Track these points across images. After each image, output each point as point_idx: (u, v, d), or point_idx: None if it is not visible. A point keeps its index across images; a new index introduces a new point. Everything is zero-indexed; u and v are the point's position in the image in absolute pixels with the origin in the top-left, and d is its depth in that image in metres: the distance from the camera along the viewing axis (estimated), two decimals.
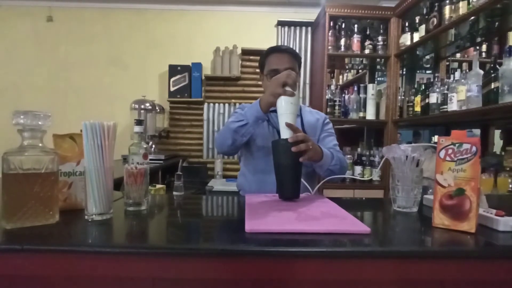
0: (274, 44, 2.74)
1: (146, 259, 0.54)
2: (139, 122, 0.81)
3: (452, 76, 1.76)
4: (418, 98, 2.02)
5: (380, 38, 2.39)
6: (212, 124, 2.94)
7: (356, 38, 2.40)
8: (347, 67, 2.90)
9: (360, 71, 2.86)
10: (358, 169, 2.37)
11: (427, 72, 2.60)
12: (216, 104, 2.94)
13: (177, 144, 2.97)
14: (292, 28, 2.94)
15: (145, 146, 0.79)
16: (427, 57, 2.38)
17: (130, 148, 0.78)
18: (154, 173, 2.20)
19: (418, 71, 2.64)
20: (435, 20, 1.86)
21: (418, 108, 2.02)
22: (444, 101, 1.75)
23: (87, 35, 2.93)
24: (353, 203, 1.05)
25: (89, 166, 0.66)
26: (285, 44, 2.91)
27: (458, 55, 2.34)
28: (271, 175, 0.93)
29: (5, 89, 2.90)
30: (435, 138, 2.66)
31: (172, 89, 2.83)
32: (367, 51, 2.40)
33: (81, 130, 0.67)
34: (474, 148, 0.62)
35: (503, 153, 1.78)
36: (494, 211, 0.66)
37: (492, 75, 1.39)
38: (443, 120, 2.08)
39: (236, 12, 2.95)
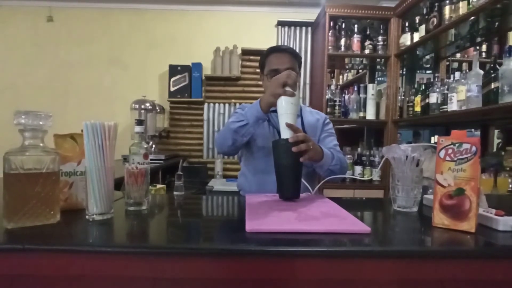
0: (274, 44, 2.73)
1: (146, 259, 0.54)
2: (139, 122, 0.81)
3: (452, 76, 1.76)
4: (418, 98, 2.02)
5: (380, 38, 2.39)
6: (212, 124, 2.94)
7: (356, 38, 2.40)
8: (347, 67, 2.90)
9: (360, 71, 2.86)
10: (358, 169, 2.37)
11: (427, 72, 2.60)
12: (216, 104, 2.94)
13: (177, 144, 2.97)
14: (292, 28, 2.94)
15: (145, 146, 0.79)
16: (427, 57, 2.38)
17: (130, 148, 0.78)
18: (155, 173, 2.20)
19: (418, 71, 2.64)
20: (435, 20, 1.86)
21: (418, 108, 2.02)
22: (444, 101, 1.75)
23: (87, 35, 2.93)
24: (353, 203, 1.05)
25: (90, 166, 0.66)
26: (285, 44, 2.91)
27: (458, 55, 2.34)
28: (272, 175, 0.93)
29: (5, 89, 2.90)
30: (435, 138, 2.67)
31: (172, 89, 2.84)
32: (367, 51, 2.40)
33: (81, 130, 0.67)
34: (474, 148, 0.62)
35: (502, 153, 1.78)
36: (494, 210, 0.66)
37: (492, 75, 1.39)
38: (443, 120, 2.08)
39: (236, 12, 2.95)
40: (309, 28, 2.93)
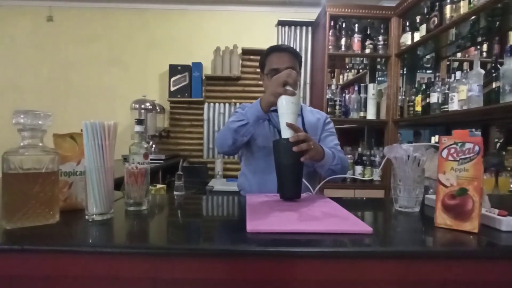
0: (274, 44, 2.73)
1: (146, 259, 0.54)
2: (139, 122, 0.80)
3: (453, 75, 1.75)
4: (418, 98, 2.02)
5: (380, 37, 2.39)
6: (213, 124, 2.94)
7: (356, 38, 2.39)
8: (347, 66, 2.90)
9: (360, 70, 2.86)
10: (358, 169, 2.37)
11: (428, 71, 2.60)
12: (217, 104, 2.94)
13: (177, 144, 2.97)
14: (293, 27, 2.94)
15: (145, 146, 0.79)
16: (428, 56, 2.37)
17: (130, 148, 0.77)
18: (155, 173, 2.20)
19: (418, 71, 2.64)
20: (436, 20, 1.86)
21: (418, 108, 2.02)
22: (445, 100, 1.75)
23: (87, 35, 2.93)
24: (354, 203, 1.04)
25: (89, 166, 0.66)
26: (286, 43, 2.90)
27: (459, 55, 2.34)
28: (272, 175, 0.93)
29: (5, 89, 2.90)
30: (436, 138, 2.66)
31: (172, 89, 2.83)
32: (367, 51, 2.39)
33: (81, 130, 0.67)
34: (476, 148, 0.61)
35: (503, 152, 1.78)
36: (496, 211, 0.65)
37: (493, 74, 1.39)
38: (444, 120, 2.08)
39: (236, 12, 2.95)
40: (310, 28, 2.92)
